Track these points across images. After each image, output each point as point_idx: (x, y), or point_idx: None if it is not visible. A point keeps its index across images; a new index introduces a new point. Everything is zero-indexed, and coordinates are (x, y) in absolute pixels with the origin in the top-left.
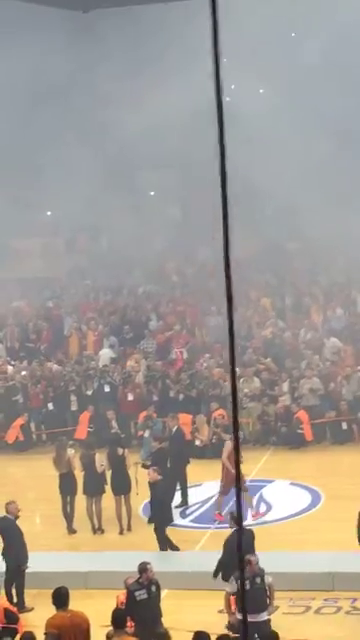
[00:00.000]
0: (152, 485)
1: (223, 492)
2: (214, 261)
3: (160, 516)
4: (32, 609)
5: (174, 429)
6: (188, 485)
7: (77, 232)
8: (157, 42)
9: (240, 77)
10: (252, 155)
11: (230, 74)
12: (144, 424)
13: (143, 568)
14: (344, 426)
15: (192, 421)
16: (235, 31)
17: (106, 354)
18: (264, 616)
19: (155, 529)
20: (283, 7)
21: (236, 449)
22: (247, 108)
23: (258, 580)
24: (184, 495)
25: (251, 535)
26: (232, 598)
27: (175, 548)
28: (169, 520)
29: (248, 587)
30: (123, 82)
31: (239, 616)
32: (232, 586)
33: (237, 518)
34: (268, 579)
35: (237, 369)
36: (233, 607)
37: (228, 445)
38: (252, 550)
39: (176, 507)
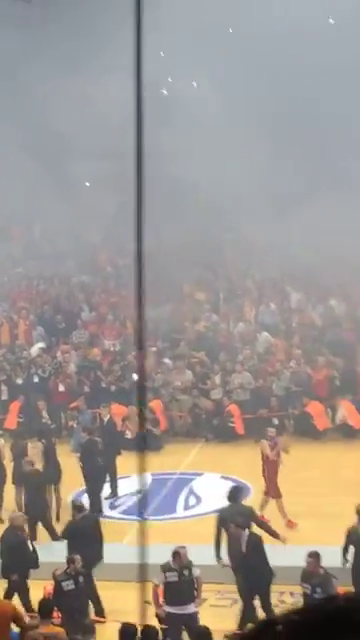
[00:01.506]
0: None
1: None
2: (148, 252)
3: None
4: None
5: (105, 419)
6: (119, 476)
7: (10, 221)
8: (96, 33)
9: (177, 70)
10: (188, 148)
11: (167, 67)
12: (73, 414)
13: (70, 559)
14: (275, 421)
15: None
16: (173, 25)
17: (37, 346)
18: (192, 608)
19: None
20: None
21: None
22: (184, 101)
23: (186, 572)
24: (113, 486)
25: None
26: (159, 589)
27: None
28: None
29: (176, 579)
30: (61, 74)
31: (166, 608)
32: (160, 578)
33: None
34: (196, 571)
35: (169, 362)
36: (160, 599)
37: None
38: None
39: (105, 498)
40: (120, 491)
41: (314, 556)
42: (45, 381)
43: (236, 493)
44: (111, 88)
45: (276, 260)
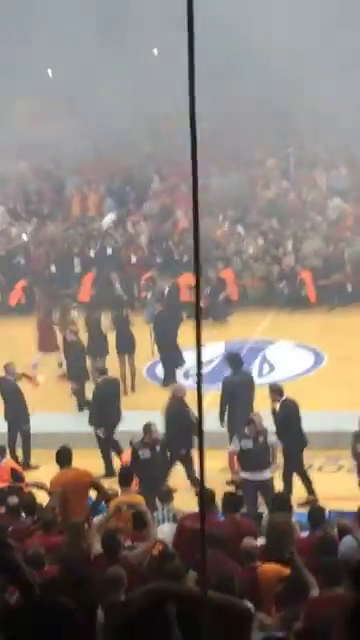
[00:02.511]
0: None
1: None
2: (217, 120)
3: None
4: (37, 467)
5: (166, 290)
6: (190, 346)
7: (76, 92)
8: None
9: None
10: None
11: None
12: (147, 285)
13: (147, 428)
14: (349, 288)
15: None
16: None
17: (108, 217)
18: (267, 474)
19: None
20: None
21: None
22: None
23: (261, 439)
24: (178, 356)
25: None
26: (235, 457)
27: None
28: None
29: (251, 446)
30: None
31: (242, 474)
32: (235, 444)
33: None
34: (271, 438)
35: (241, 230)
36: (236, 465)
37: None
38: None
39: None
40: (194, 360)
41: None
42: (117, 253)
43: (237, 361)
44: None
45: (348, 124)
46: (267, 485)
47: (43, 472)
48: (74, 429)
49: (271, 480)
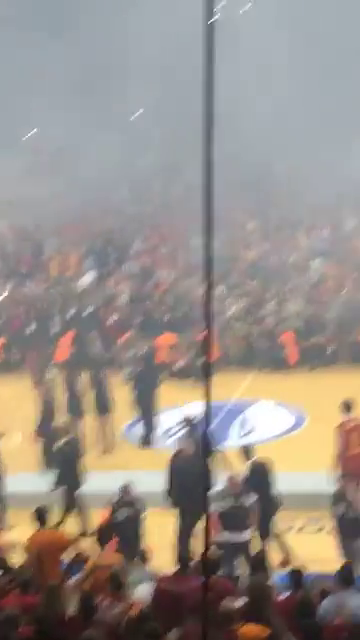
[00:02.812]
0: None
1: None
2: (200, 182)
3: None
4: (12, 527)
5: (143, 351)
6: (171, 406)
7: (61, 150)
8: None
9: None
10: (240, 73)
11: None
12: (126, 345)
13: (124, 488)
14: (330, 350)
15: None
16: None
17: (87, 277)
18: (246, 535)
19: None
20: None
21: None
22: (237, 23)
23: (241, 500)
24: (149, 419)
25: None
26: (215, 517)
27: None
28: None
29: (230, 506)
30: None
31: (222, 535)
32: (215, 505)
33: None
34: (251, 499)
35: (223, 290)
36: (216, 526)
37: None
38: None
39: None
40: (172, 422)
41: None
42: (97, 313)
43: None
44: (163, 16)
45: (330, 185)
46: (246, 546)
47: (19, 532)
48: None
49: (250, 541)
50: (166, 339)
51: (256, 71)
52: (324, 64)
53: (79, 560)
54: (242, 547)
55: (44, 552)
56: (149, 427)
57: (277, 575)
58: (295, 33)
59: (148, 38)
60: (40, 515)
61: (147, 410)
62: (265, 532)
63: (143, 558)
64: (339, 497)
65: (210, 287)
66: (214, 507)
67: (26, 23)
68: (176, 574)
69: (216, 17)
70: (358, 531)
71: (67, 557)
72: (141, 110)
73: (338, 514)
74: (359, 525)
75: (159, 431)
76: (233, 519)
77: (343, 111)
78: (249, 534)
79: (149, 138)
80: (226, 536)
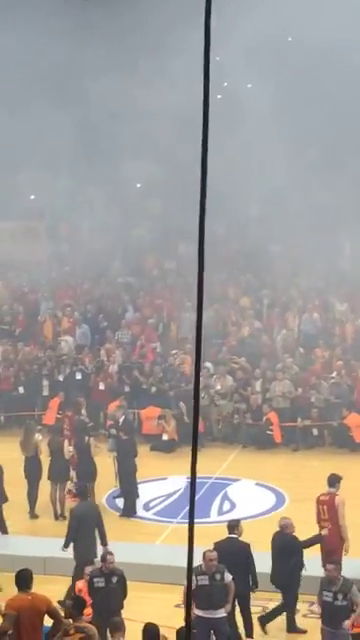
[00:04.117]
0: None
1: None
2: (194, 257)
3: None
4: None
5: (120, 420)
6: (153, 478)
7: (60, 218)
8: (152, 34)
9: (232, 75)
10: (238, 154)
11: (223, 71)
12: (113, 414)
13: (103, 557)
14: (315, 432)
15: (158, 415)
16: (229, 29)
17: (69, 341)
18: (221, 612)
19: None
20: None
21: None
22: (237, 106)
23: (218, 577)
24: (126, 488)
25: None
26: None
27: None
28: None
29: (207, 583)
30: (115, 73)
31: (196, 611)
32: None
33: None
34: (227, 577)
35: (210, 366)
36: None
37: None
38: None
39: (115, 497)
40: (155, 493)
41: (335, 563)
42: (86, 379)
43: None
44: (164, 92)
45: (322, 271)
46: (221, 624)
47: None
48: (30, 554)
49: (225, 619)
50: (152, 411)
51: (256, 154)
52: (320, 156)
53: (59, 627)
54: (217, 624)
55: (24, 616)
56: (131, 498)
57: None
58: (293, 119)
59: (150, 114)
60: (23, 578)
61: (129, 481)
62: (242, 611)
63: (117, 628)
64: (328, 583)
65: (199, 362)
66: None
67: (28, 90)
68: None
69: (217, 96)
70: (342, 619)
71: (47, 623)
72: (139, 185)
73: (327, 600)
74: (346, 613)
75: (140, 502)
76: (209, 596)
77: (333, 203)
78: (224, 612)
79: (145, 211)
80: (200, 612)
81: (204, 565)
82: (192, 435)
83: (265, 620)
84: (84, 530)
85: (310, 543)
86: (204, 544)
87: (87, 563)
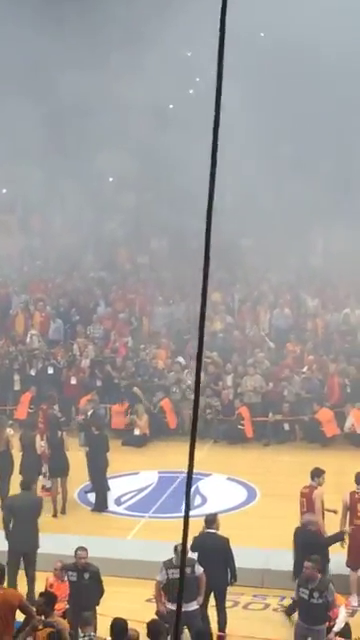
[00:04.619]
0: None
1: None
2: (167, 251)
3: None
4: None
5: (89, 414)
6: (125, 473)
7: (32, 212)
8: (123, 28)
9: (204, 70)
10: (210, 149)
11: (195, 67)
12: (85, 408)
13: (75, 553)
14: (286, 427)
15: (125, 410)
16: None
17: (38, 335)
18: (194, 605)
19: None
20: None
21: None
22: (210, 102)
23: (188, 570)
24: (98, 482)
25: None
26: (161, 587)
27: None
28: None
29: (178, 576)
30: (87, 67)
31: (169, 605)
32: (162, 575)
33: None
34: (198, 569)
35: (182, 360)
36: (163, 596)
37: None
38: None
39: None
40: (127, 488)
41: (313, 560)
42: (58, 373)
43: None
44: (135, 83)
45: (294, 266)
46: (194, 617)
47: None
48: (1, 549)
49: (197, 612)
50: (123, 406)
51: (228, 149)
52: (293, 152)
53: (31, 622)
54: (189, 617)
55: None
56: (102, 493)
57: None
58: (266, 114)
59: (123, 107)
60: None
61: (100, 476)
62: (218, 605)
63: (86, 623)
64: (305, 580)
65: (199, 362)
66: (160, 577)
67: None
68: None
69: (189, 91)
70: (318, 616)
71: (19, 617)
72: (111, 179)
73: (303, 597)
74: (321, 611)
75: (112, 497)
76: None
77: (305, 199)
78: (196, 604)
79: (118, 205)
80: (172, 606)
81: (175, 559)
82: (191, 435)
83: (292, 611)
84: (20, 521)
85: (333, 540)
86: (176, 539)
87: (21, 554)
